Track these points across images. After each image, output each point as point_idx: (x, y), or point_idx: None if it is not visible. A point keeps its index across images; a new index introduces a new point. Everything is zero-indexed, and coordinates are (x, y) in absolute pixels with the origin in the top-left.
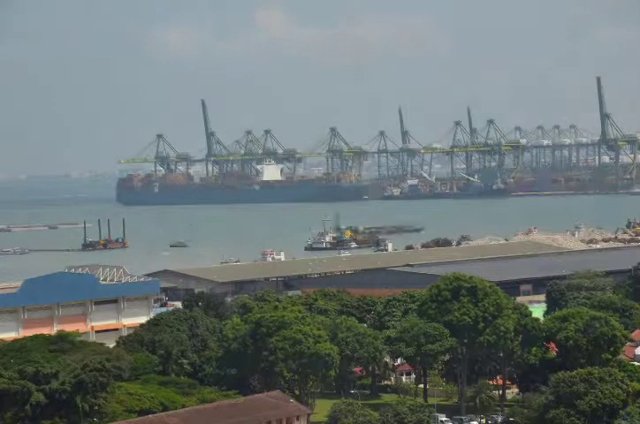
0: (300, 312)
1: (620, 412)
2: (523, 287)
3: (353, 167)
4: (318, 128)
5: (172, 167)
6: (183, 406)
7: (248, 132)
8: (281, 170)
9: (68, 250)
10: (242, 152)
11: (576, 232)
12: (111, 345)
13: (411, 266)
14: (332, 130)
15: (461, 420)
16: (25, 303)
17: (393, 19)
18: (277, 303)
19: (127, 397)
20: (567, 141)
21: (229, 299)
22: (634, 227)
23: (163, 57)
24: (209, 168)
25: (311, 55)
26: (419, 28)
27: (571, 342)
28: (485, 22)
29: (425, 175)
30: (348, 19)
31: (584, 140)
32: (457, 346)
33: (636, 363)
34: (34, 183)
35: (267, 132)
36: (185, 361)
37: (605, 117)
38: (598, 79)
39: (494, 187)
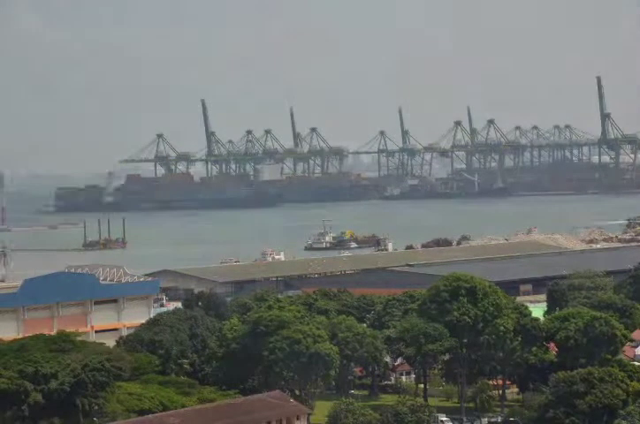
0: (298, 311)
1: (620, 412)
2: (523, 287)
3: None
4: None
5: (172, 167)
6: (183, 406)
7: (249, 132)
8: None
9: (51, 249)
10: (242, 152)
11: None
12: (111, 345)
13: (411, 266)
14: (313, 130)
15: (462, 420)
16: (25, 303)
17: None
18: (270, 302)
19: (127, 397)
20: (567, 141)
21: (229, 299)
22: (634, 227)
23: (164, 57)
24: (209, 168)
25: None
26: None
27: (571, 342)
28: (485, 22)
29: (425, 175)
30: None
31: (584, 139)
32: (457, 346)
33: (636, 363)
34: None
35: (267, 132)
36: (185, 361)
37: (605, 117)
38: (599, 79)
39: (494, 187)
